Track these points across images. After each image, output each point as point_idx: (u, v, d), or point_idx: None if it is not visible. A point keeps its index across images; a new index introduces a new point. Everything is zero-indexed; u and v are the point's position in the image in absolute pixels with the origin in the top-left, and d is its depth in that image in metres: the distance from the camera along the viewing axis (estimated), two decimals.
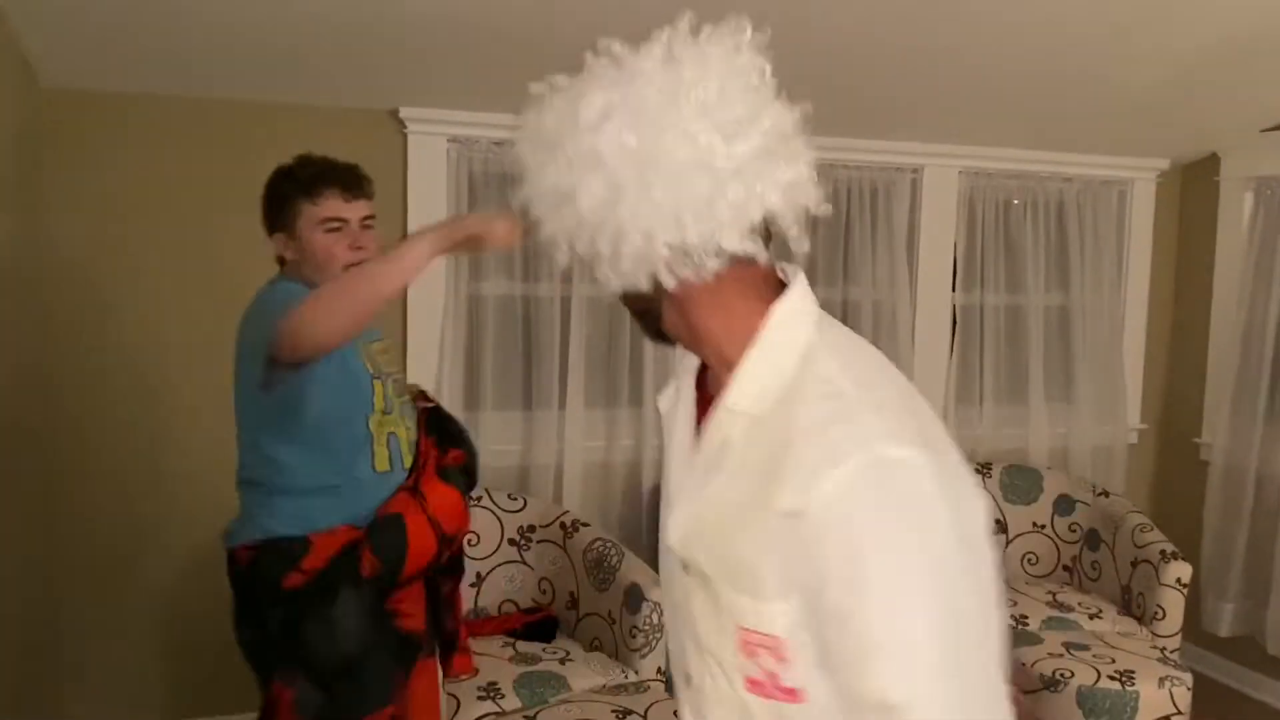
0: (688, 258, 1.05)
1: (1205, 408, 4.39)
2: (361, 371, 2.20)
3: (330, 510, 2.15)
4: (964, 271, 4.24)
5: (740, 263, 1.08)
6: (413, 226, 3.49)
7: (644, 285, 1.08)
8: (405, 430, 2.25)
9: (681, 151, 1.00)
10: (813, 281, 4.19)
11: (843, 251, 4.06)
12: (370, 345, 2.26)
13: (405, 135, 3.48)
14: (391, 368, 2.31)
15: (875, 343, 4.44)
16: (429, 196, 3.52)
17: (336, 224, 2.15)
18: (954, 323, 4.26)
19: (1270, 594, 3.96)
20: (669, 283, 1.07)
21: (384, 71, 3.17)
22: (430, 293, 3.55)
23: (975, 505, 1.08)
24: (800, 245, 1.07)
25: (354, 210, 2.17)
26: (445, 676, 2.44)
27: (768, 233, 1.09)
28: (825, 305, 4.24)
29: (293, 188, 2.18)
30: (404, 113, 3.43)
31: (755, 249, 1.06)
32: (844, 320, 4.51)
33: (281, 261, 2.24)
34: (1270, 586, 3.97)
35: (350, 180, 2.18)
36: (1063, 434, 4.36)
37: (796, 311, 1.15)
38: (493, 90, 3.32)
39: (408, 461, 2.23)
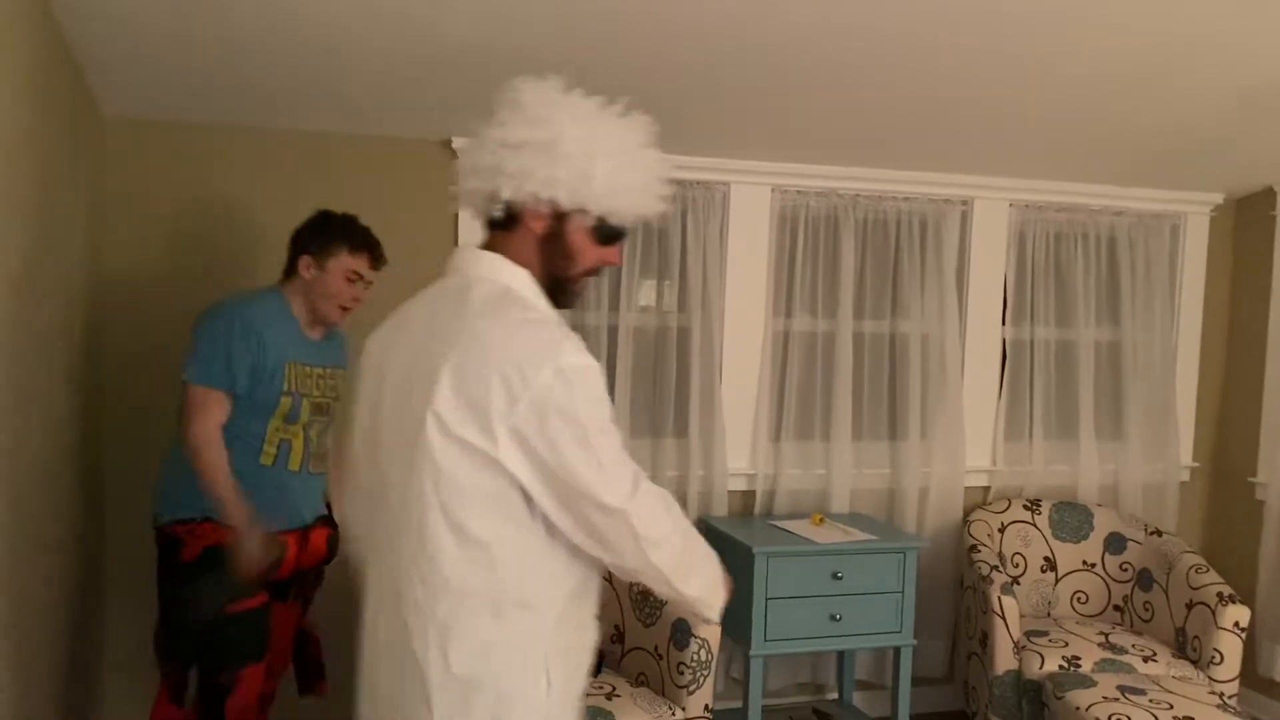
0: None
1: (1260, 446, 4.30)
2: (276, 386, 2.65)
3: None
4: (1014, 305, 4.20)
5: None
6: None
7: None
8: (301, 441, 2.73)
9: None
10: (860, 314, 4.16)
11: (891, 284, 4.03)
12: (306, 367, 2.72)
13: (456, 165, 3.49)
14: (316, 392, 2.75)
15: (924, 376, 4.38)
16: (478, 225, 3.53)
17: (357, 278, 2.73)
18: (1004, 357, 4.21)
19: None
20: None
21: (436, 102, 3.19)
22: None
23: None
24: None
25: (370, 275, 2.76)
26: (309, 695, 2.93)
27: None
28: (874, 338, 4.19)
29: (343, 234, 2.72)
30: (456, 143, 3.46)
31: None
32: (892, 354, 4.46)
33: (288, 273, 2.75)
34: None
35: (379, 254, 2.78)
36: (1113, 471, 4.29)
37: None
38: None
39: (293, 464, 2.72)
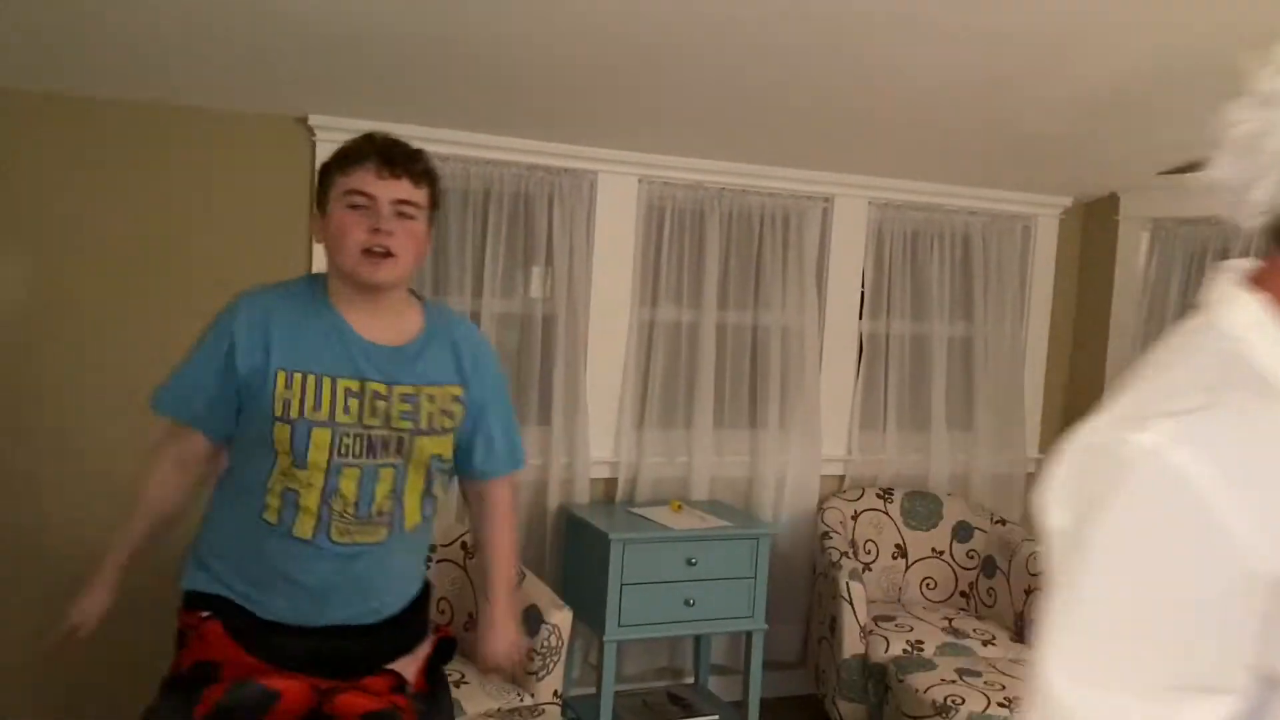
0: None
1: None
2: (264, 414, 1.90)
3: (225, 565, 2.01)
4: (871, 300, 4.31)
5: None
6: None
7: None
8: (316, 496, 1.92)
9: None
10: (724, 305, 4.14)
11: (755, 276, 4.09)
12: (343, 381, 1.93)
13: (314, 143, 3.41)
14: (375, 421, 1.94)
15: (784, 367, 4.37)
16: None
17: (360, 199, 1.90)
18: (860, 349, 4.32)
19: None
20: None
21: (293, 77, 3.10)
22: None
23: None
24: None
25: (384, 189, 1.89)
26: None
27: None
28: (736, 329, 4.17)
29: (333, 160, 1.96)
30: (314, 120, 3.37)
31: None
32: (754, 345, 4.46)
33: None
34: None
35: (388, 155, 1.91)
36: (964, 461, 4.45)
37: None
38: (405, 100, 3.28)
39: (301, 529, 1.93)
